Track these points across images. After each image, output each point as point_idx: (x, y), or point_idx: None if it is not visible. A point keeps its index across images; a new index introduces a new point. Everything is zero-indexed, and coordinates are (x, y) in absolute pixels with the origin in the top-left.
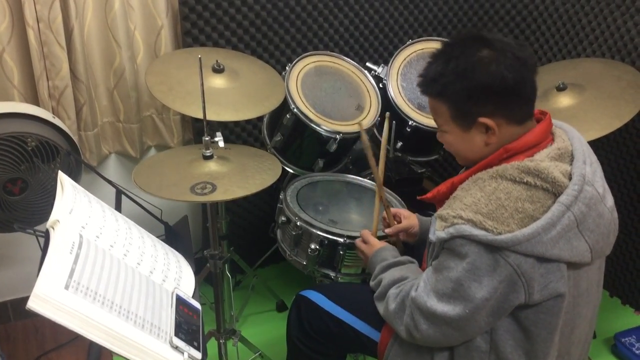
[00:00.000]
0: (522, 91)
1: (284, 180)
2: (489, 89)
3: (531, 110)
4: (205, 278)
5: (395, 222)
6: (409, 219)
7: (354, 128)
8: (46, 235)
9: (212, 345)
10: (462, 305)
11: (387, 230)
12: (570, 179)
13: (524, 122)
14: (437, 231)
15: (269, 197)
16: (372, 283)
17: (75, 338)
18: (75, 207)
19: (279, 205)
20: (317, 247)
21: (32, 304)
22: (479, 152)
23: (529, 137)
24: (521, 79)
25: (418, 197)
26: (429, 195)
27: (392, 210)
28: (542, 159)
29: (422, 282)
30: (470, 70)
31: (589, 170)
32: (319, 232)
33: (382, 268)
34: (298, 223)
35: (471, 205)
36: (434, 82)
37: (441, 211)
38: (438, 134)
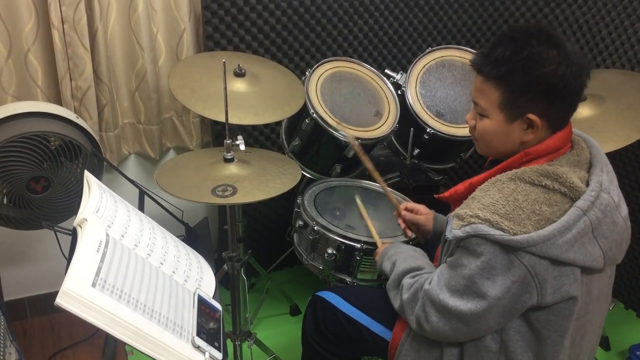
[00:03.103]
0: (576, 99)
1: (300, 184)
2: (550, 89)
3: (570, 118)
4: (219, 280)
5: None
6: (426, 216)
7: (371, 134)
8: (73, 234)
9: (228, 347)
10: (475, 301)
11: (403, 214)
12: (587, 185)
13: (560, 128)
14: (454, 229)
15: (285, 200)
16: (386, 263)
17: (91, 336)
18: (101, 206)
19: (296, 209)
20: (334, 252)
21: (61, 301)
22: (510, 147)
23: (551, 142)
24: (580, 87)
25: (435, 196)
26: (446, 194)
27: (410, 205)
28: (561, 164)
29: (435, 276)
30: (539, 66)
31: (606, 178)
32: (336, 237)
33: (396, 251)
34: (315, 228)
35: (489, 206)
36: (498, 64)
37: (458, 210)
38: (472, 115)
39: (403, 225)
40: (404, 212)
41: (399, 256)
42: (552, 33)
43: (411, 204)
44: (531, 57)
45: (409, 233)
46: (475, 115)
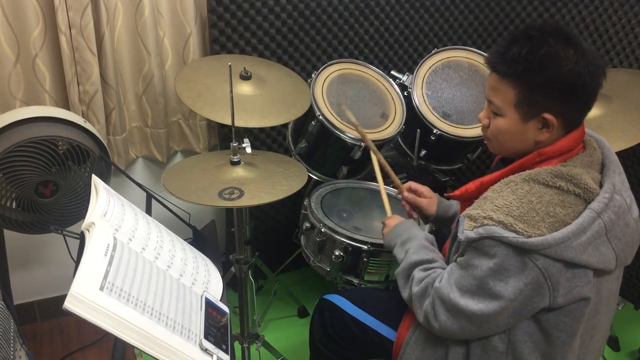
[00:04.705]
0: (592, 99)
1: (307, 186)
2: (567, 88)
3: (584, 118)
4: (227, 282)
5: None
6: (429, 200)
7: (378, 136)
8: (81, 238)
9: (236, 349)
10: (486, 302)
11: (405, 195)
12: (600, 186)
13: (574, 128)
14: (466, 231)
15: (292, 203)
16: (398, 250)
17: (100, 339)
18: (109, 210)
19: (303, 211)
20: (341, 253)
21: (69, 304)
22: (523, 146)
23: (564, 142)
24: (597, 87)
25: (445, 195)
26: (456, 192)
27: (414, 185)
28: (575, 165)
29: (446, 274)
30: (556, 65)
31: (619, 179)
32: (342, 239)
33: (409, 236)
34: (322, 229)
35: (502, 207)
36: (514, 62)
37: (470, 211)
38: (486, 114)
39: (407, 207)
40: (406, 194)
41: (412, 244)
42: (568, 32)
43: (415, 185)
44: (548, 55)
45: (414, 215)
46: (489, 114)
